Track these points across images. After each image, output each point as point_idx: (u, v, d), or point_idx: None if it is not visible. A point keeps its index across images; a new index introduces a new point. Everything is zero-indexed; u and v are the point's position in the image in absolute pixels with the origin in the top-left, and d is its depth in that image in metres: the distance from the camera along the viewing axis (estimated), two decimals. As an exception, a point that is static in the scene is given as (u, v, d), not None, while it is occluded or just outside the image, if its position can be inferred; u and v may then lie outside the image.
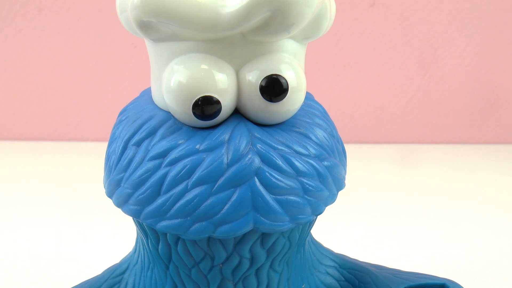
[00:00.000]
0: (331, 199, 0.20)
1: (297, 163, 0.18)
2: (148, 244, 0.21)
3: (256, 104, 0.18)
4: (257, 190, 0.17)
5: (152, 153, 0.18)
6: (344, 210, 0.48)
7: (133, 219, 0.20)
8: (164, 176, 0.18)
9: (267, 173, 0.18)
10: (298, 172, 0.18)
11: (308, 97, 0.22)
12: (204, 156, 0.18)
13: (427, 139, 0.69)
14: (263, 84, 0.18)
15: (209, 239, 0.19)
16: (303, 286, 0.22)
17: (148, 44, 0.20)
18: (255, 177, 0.17)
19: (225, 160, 0.17)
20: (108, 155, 0.20)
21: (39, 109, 0.68)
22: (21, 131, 0.69)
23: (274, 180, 0.18)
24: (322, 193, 0.19)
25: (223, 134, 0.18)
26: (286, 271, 0.21)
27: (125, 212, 0.19)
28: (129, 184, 0.19)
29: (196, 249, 0.19)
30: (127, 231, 0.32)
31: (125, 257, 0.24)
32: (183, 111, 0.18)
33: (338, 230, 0.44)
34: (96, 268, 0.26)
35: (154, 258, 0.21)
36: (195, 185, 0.17)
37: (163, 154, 0.18)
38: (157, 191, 0.18)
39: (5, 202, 0.49)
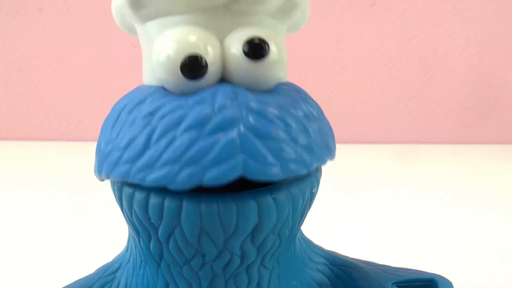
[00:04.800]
0: (321, 159, 0.19)
1: (285, 116, 0.18)
2: (139, 243, 0.21)
3: (240, 67, 0.19)
4: (245, 134, 0.17)
5: (142, 113, 0.19)
6: (344, 210, 0.48)
7: (125, 217, 0.20)
8: (153, 130, 0.18)
9: (255, 119, 0.18)
10: (287, 124, 0.18)
11: (291, 83, 0.22)
12: (192, 108, 0.18)
13: (427, 139, 0.69)
14: (246, 45, 0.19)
15: (200, 235, 0.19)
16: (293, 283, 0.22)
17: (139, 29, 0.21)
18: (244, 122, 0.17)
19: (212, 108, 0.18)
20: (98, 142, 0.20)
21: (39, 109, 0.68)
22: (21, 131, 0.69)
23: (262, 126, 0.18)
24: (312, 149, 0.19)
25: (210, 91, 0.18)
26: (276, 268, 0.21)
27: (114, 179, 0.19)
28: (119, 148, 0.19)
29: (187, 246, 0.19)
30: (125, 230, 0.32)
31: (117, 256, 0.24)
32: (172, 73, 0.18)
33: (337, 230, 0.44)
34: (92, 266, 0.26)
35: (146, 257, 0.21)
36: (183, 132, 0.17)
37: (152, 113, 0.18)
38: (146, 145, 0.18)
39: (4, 202, 0.49)
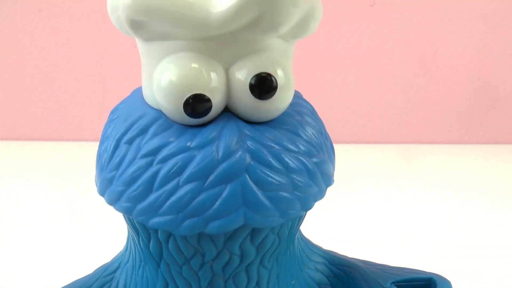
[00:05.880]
0: (320, 195, 0.20)
1: (286, 160, 0.18)
2: (139, 243, 0.21)
3: (246, 102, 0.19)
4: (247, 186, 0.18)
5: (144, 150, 0.18)
6: (343, 209, 0.48)
7: (124, 217, 0.21)
8: (156, 173, 0.18)
9: (257, 170, 0.18)
10: (288, 168, 0.18)
11: (297, 95, 0.22)
12: (195, 153, 0.18)
13: (427, 139, 0.69)
14: (253, 82, 0.18)
15: (200, 235, 0.19)
16: (292, 282, 0.22)
17: (139, 43, 0.20)
18: (246, 173, 0.18)
19: (216, 157, 0.18)
20: (99, 154, 0.20)
21: (39, 109, 0.68)
22: (21, 131, 0.69)
23: (264, 176, 0.18)
24: (311, 189, 0.19)
25: (214, 131, 0.18)
26: (275, 267, 0.21)
27: (117, 210, 0.19)
28: (121, 182, 0.19)
29: (187, 246, 0.19)
30: (123, 230, 0.33)
31: (116, 256, 0.24)
32: (174, 109, 0.18)
33: (336, 229, 0.44)
34: (91, 266, 0.26)
35: (145, 256, 0.21)
36: (187, 181, 0.18)
37: (154, 152, 0.18)
38: (149, 188, 0.18)
39: (4, 202, 0.49)
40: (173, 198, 0.18)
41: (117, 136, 0.20)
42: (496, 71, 0.66)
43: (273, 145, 0.18)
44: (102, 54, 0.66)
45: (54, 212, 0.47)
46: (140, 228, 0.20)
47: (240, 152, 0.18)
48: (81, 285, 0.23)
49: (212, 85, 0.18)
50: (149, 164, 0.18)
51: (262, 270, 0.20)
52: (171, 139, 0.18)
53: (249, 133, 0.18)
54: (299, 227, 0.22)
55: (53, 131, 0.69)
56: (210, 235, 0.19)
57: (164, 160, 0.18)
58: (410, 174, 0.58)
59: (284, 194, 0.18)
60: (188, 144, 0.18)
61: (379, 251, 0.40)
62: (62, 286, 0.23)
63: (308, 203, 0.19)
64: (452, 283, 0.23)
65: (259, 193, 0.18)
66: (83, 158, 0.60)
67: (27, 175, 0.56)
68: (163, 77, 0.18)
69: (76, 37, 0.65)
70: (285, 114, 0.20)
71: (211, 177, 0.17)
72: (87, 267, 0.25)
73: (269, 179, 0.18)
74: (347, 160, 0.60)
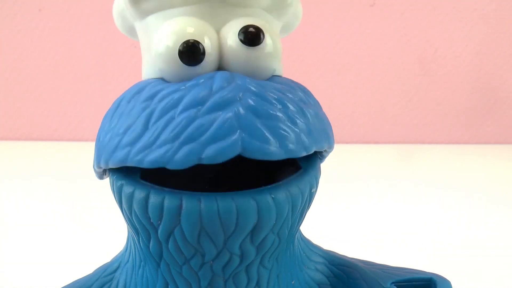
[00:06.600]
0: (320, 143, 0.19)
1: (283, 99, 0.19)
2: (139, 243, 0.21)
3: (236, 55, 0.19)
4: (244, 112, 0.17)
5: (141, 99, 0.19)
6: (343, 209, 0.48)
7: (124, 217, 0.20)
8: (151, 112, 0.18)
9: (253, 99, 0.18)
10: (285, 106, 0.18)
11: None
12: (190, 90, 0.18)
13: (427, 139, 0.69)
14: (242, 33, 0.19)
15: (200, 234, 0.19)
16: (292, 282, 0.22)
17: (138, 26, 0.21)
18: (242, 102, 0.18)
19: (210, 90, 0.18)
20: (97, 137, 0.20)
21: (39, 109, 0.68)
22: (21, 131, 0.69)
23: (260, 106, 0.18)
24: (310, 132, 0.19)
25: (208, 74, 0.19)
26: (275, 267, 0.21)
27: (113, 164, 0.19)
28: (118, 134, 0.19)
29: (187, 246, 0.19)
30: (123, 230, 0.32)
31: (116, 256, 0.24)
32: (170, 60, 0.19)
33: (336, 229, 0.44)
34: (91, 266, 0.26)
35: (145, 256, 0.21)
36: (181, 111, 0.18)
37: (150, 97, 0.19)
38: (145, 127, 0.18)
39: (4, 201, 0.49)
40: (168, 129, 0.18)
41: (116, 102, 0.20)
42: (496, 71, 0.66)
43: (268, 87, 0.19)
44: (102, 54, 0.66)
45: (54, 212, 0.47)
46: (140, 228, 0.20)
47: (234, 86, 0.18)
48: (81, 285, 0.23)
49: (205, 38, 0.19)
50: (145, 107, 0.18)
51: (262, 270, 0.20)
52: (167, 86, 0.19)
53: (243, 76, 0.19)
54: (299, 227, 0.22)
55: (53, 131, 0.69)
56: (208, 233, 0.18)
57: (160, 100, 0.18)
58: (410, 174, 0.58)
59: (283, 126, 0.18)
60: (183, 86, 0.18)
61: (379, 251, 0.40)
62: (62, 286, 0.23)
63: (308, 145, 0.19)
64: (452, 283, 0.23)
65: (256, 120, 0.17)
66: (83, 158, 0.60)
67: (27, 175, 0.56)
68: (161, 38, 0.19)
69: (76, 37, 0.65)
70: (279, 78, 0.20)
71: (206, 105, 0.17)
72: (87, 267, 0.25)
73: (267, 109, 0.18)
74: (347, 160, 0.60)
